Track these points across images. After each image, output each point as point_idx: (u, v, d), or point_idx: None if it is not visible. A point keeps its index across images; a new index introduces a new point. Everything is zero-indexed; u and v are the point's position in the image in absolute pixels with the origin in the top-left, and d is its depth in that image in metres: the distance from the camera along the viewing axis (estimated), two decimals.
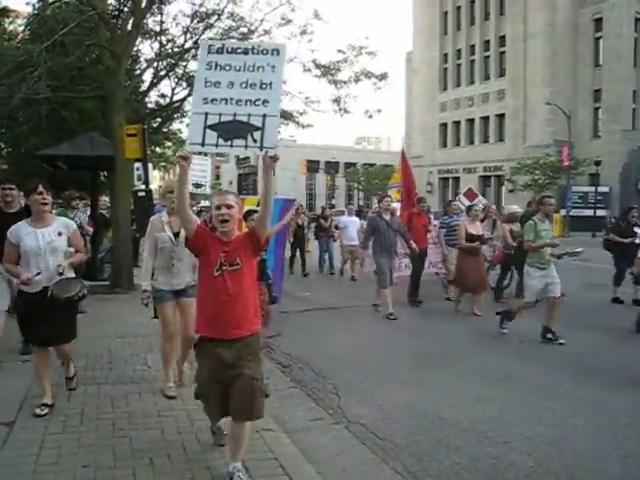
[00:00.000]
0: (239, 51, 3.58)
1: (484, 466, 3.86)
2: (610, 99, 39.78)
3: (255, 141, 3.38)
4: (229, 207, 3.36)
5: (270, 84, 3.48)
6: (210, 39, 13.04)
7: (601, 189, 36.01)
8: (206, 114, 3.43)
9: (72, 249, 4.51)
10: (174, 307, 5.02)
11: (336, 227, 14.95)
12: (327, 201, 42.02)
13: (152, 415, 4.43)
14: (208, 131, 3.42)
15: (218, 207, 3.36)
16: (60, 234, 4.45)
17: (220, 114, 3.43)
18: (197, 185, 27.24)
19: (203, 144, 3.43)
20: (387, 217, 9.08)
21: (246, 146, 3.43)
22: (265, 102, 3.45)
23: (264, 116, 3.41)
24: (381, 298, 9.12)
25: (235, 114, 3.44)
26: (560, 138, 37.90)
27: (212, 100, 3.46)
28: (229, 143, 3.44)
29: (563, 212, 34.29)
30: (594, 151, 37.80)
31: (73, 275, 4.57)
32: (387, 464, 3.86)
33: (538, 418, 4.72)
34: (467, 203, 13.92)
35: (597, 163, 34.94)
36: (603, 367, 6.32)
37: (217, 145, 3.45)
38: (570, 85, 41.21)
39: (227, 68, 3.52)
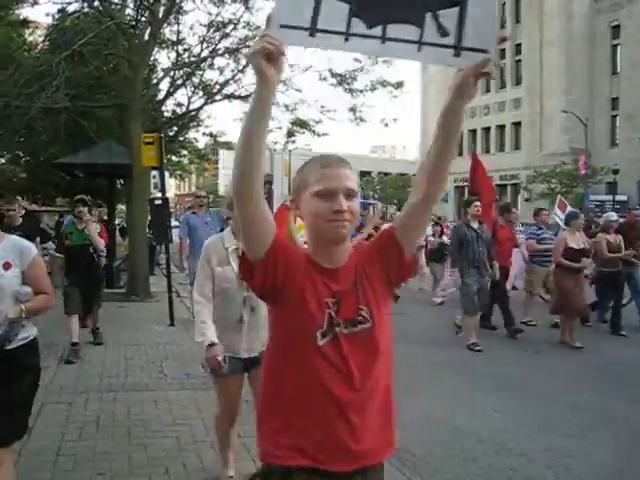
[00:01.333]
0: None
1: (501, 478, 3.81)
2: (628, 107, 39.39)
3: (443, 33, 1.43)
4: (350, 195, 1.62)
5: None
6: (226, 48, 13.18)
7: (619, 197, 35.56)
8: None
9: (29, 289, 2.75)
10: (241, 382, 3.30)
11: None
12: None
13: (168, 423, 4.43)
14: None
15: (329, 194, 1.58)
16: (7, 266, 2.72)
17: None
18: None
19: (314, 30, 1.40)
20: (475, 226, 7.74)
21: (420, 42, 1.44)
22: None
23: None
24: (465, 324, 7.94)
25: None
26: (577, 146, 37.56)
27: None
28: (381, 33, 1.43)
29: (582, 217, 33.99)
30: (612, 159, 37.41)
31: (32, 333, 2.85)
32: (404, 475, 3.82)
33: (557, 429, 4.65)
34: (562, 215, 11.75)
35: (615, 172, 34.58)
36: (624, 377, 6.22)
37: (347, 34, 1.42)
38: (587, 93, 40.90)
39: None
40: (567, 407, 5.24)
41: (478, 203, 7.87)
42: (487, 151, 47.06)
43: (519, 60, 44.32)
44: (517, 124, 44.58)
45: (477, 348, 7.29)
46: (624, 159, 37.24)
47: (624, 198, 36.50)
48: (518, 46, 44.25)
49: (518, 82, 44.17)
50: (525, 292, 9.35)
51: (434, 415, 4.97)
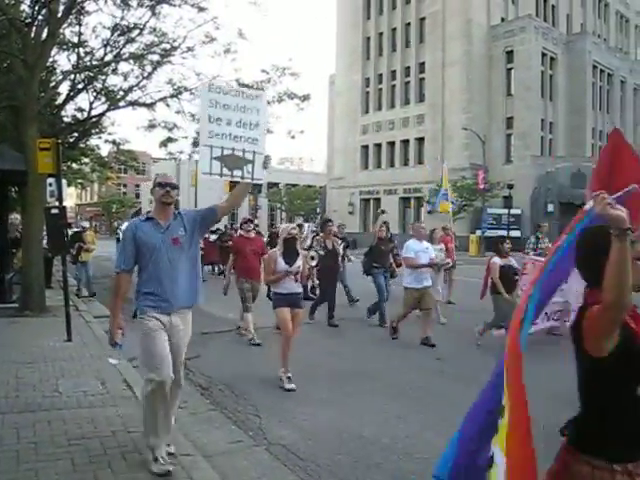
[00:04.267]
0: (232, 93, 4.15)
1: None
2: (521, 127, 42.06)
3: (249, 172, 4.09)
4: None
5: (257, 125, 4.18)
6: (131, 53, 12.77)
7: (514, 211, 37.75)
8: (211, 147, 3.99)
9: None
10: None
11: (395, 255, 11.13)
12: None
13: (62, 444, 4.18)
14: (214, 162, 4.00)
15: None
16: None
17: (222, 147, 4.01)
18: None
19: (211, 173, 4.00)
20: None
21: (242, 177, 4.08)
22: (254, 140, 4.14)
23: (254, 153, 4.11)
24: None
25: (234, 149, 4.06)
26: (476, 162, 39.58)
27: (216, 135, 4.02)
28: (230, 173, 4.05)
29: (479, 233, 35.79)
30: (507, 175, 39.72)
31: None
32: None
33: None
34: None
35: (510, 187, 36.70)
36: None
37: (222, 174, 4.03)
38: (485, 112, 43.24)
39: (225, 107, 4.05)
40: (465, 411, 5.45)
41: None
42: (392, 165, 48.53)
43: (423, 78, 46.13)
44: (420, 139, 46.29)
45: None
46: (518, 175, 39.63)
47: (518, 212, 38.84)
48: (422, 65, 46.10)
49: (421, 99, 45.95)
50: None
51: (338, 424, 5.02)
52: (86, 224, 15.05)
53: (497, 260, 8.37)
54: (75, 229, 16.50)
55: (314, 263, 9.47)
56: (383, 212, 12.09)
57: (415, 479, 3.95)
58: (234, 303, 9.14)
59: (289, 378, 6.20)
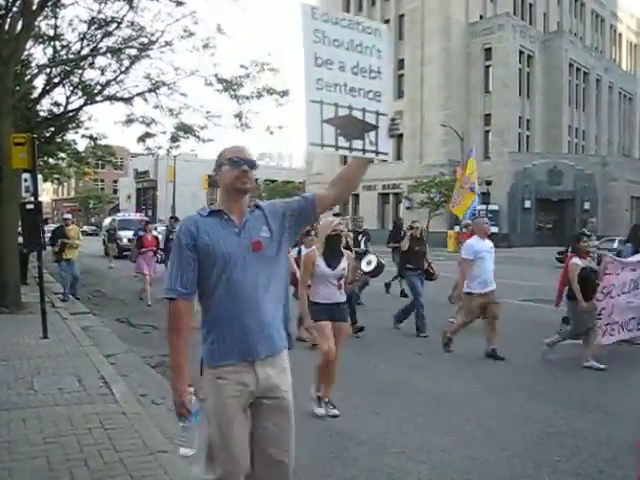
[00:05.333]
0: (344, 23, 2.73)
1: (381, 477, 3.94)
2: (499, 123, 42.53)
3: (372, 143, 2.78)
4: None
5: (379, 72, 2.81)
6: (108, 47, 12.63)
7: (491, 207, 38.15)
8: (321, 103, 2.64)
9: None
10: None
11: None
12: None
13: (37, 443, 4.14)
14: (325, 126, 2.66)
15: None
16: None
17: (336, 105, 2.68)
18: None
19: (322, 144, 2.65)
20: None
21: (364, 150, 2.78)
22: (377, 95, 2.79)
23: (377, 114, 2.78)
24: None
25: (350, 107, 2.73)
26: (454, 158, 39.89)
27: (326, 85, 2.66)
28: (348, 144, 2.74)
29: (457, 229, 36.14)
30: (485, 171, 40.07)
31: None
32: None
33: (433, 427, 4.89)
34: None
35: (488, 183, 37.08)
36: (493, 374, 6.67)
37: (337, 147, 2.70)
38: (463, 109, 43.61)
39: (336, 44, 2.70)
40: (442, 405, 5.53)
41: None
42: (371, 161, 48.66)
43: (402, 75, 46.34)
44: (399, 136, 46.50)
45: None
46: (496, 171, 40.05)
47: (496, 208, 39.26)
48: (401, 61, 46.30)
49: (400, 95, 46.14)
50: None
51: (315, 419, 5.04)
52: (68, 216, 13.37)
53: (578, 261, 7.22)
54: (55, 224, 16.06)
55: (369, 268, 8.69)
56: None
57: (392, 473, 3.99)
58: None
59: (322, 401, 5.26)
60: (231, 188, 2.51)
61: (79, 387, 5.54)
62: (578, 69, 48.12)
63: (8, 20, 10.37)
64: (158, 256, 13.07)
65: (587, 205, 40.98)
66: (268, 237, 2.51)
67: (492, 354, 7.32)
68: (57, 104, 14.34)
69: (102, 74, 13.34)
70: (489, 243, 7.64)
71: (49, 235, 12.99)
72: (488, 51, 43.57)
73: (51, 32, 12.73)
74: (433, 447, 4.43)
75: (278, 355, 2.56)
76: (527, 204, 41.00)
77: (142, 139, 15.03)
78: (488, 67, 43.90)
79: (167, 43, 12.80)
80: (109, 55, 12.94)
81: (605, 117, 51.59)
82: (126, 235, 24.48)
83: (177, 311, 2.44)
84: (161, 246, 13.25)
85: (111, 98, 13.04)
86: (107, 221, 32.48)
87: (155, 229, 13.66)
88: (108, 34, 12.58)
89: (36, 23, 11.22)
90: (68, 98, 13.22)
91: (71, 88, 13.34)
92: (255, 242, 2.47)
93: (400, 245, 10.21)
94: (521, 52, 44.14)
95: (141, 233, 13.32)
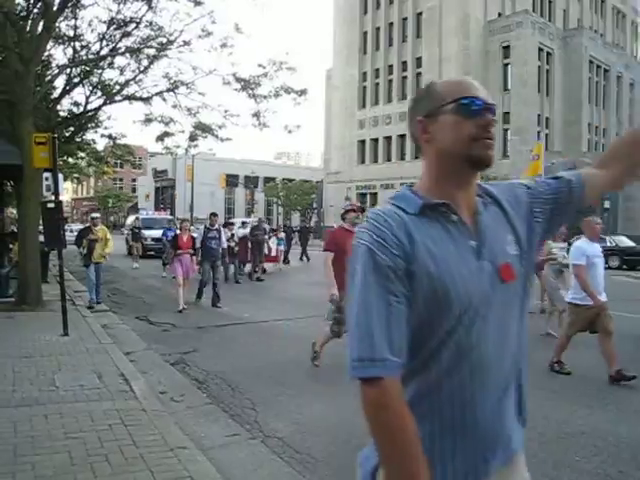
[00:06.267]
0: None
1: None
2: (518, 122, 42.15)
3: None
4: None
5: None
6: (127, 47, 12.75)
7: None
8: None
9: None
10: None
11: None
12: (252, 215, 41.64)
13: (59, 438, 4.20)
14: None
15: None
16: None
17: None
18: None
19: None
20: None
21: None
22: None
23: None
24: None
25: None
26: None
27: None
28: None
29: None
30: (503, 170, 39.77)
31: None
32: (304, 477, 3.86)
33: None
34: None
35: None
36: None
37: None
38: None
39: None
40: None
41: None
42: (389, 159, 48.59)
43: (419, 73, 46.15)
44: None
45: None
46: (515, 169, 39.68)
47: None
48: (419, 60, 46.12)
49: None
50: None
51: (333, 417, 5.05)
52: (97, 215, 12.19)
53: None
54: (75, 224, 15.91)
55: None
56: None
57: None
58: (247, 300, 9.15)
59: None
60: (463, 156, 1.39)
61: (99, 384, 5.60)
62: (598, 66, 47.51)
63: (29, 22, 10.54)
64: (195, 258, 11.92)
65: (607, 204, 40.46)
66: (517, 254, 1.43)
67: (619, 377, 6.19)
68: (77, 104, 14.52)
69: (121, 74, 13.50)
70: (599, 247, 6.68)
71: (73, 234, 12.46)
72: (507, 49, 43.20)
73: (71, 33, 12.89)
74: None
75: (514, 462, 1.52)
76: None
77: (161, 138, 15.18)
78: (507, 65, 43.52)
79: (185, 43, 12.91)
80: (128, 55, 13.07)
81: (626, 114, 50.85)
82: (150, 234, 24.08)
83: (388, 400, 1.25)
84: (197, 245, 12.01)
85: (130, 98, 13.17)
86: (130, 220, 31.29)
87: (190, 229, 12.27)
88: (127, 34, 12.70)
89: (56, 24, 11.37)
90: (88, 98, 13.37)
91: (90, 88, 13.49)
92: (504, 266, 1.39)
93: None
94: (540, 49, 43.69)
95: (175, 232, 12.85)
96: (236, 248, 15.87)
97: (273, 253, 19.15)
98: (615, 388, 6.12)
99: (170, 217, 24.54)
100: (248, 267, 17.44)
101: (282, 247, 20.56)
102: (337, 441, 4.51)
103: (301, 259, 24.53)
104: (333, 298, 6.49)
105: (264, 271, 17.55)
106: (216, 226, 12.31)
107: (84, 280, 12.22)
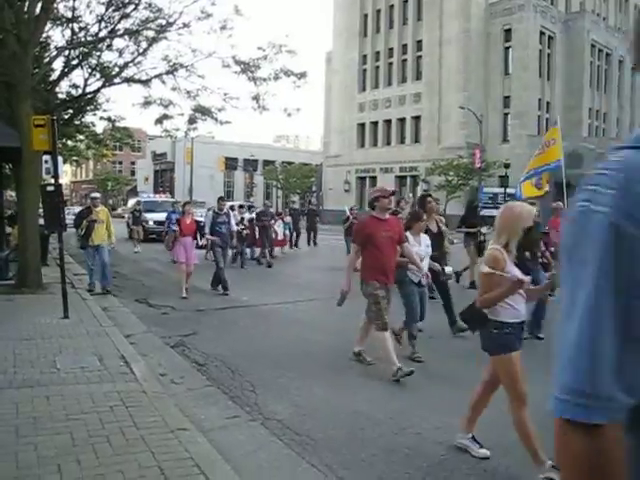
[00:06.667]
0: None
1: (398, 457, 3.98)
2: (518, 106, 41.91)
3: None
4: None
5: None
6: (126, 29, 12.65)
7: (509, 190, 37.76)
8: None
9: None
10: None
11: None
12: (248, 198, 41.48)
13: (60, 419, 4.24)
14: None
15: None
16: None
17: None
18: None
19: None
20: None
21: None
22: None
23: None
24: None
25: None
26: (472, 141, 39.50)
27: None
28: None
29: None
30: (503, 154, 39.66)
31: None
32: (303, 459, 3.90)
33: (448, 408, 4.91)
34: None
35: (506, 166, 36.68)
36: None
37: None
38: (482, 91, 43.02)
39: None
40: (460, 388, 5.53)
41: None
42: (388, 143, 48.39)
43: (420, 56, 45.79)
44: (417, 118, 46.08)
45: None
46: (514, 154, 39.58)
47: (514, 191, 38.83)
48: (419, 42, 45.72)
49: (418, 77, 45.65)
50: None
51: (333, 400, 5.10)
52: (97, 195, 11.69)
53: None
54: (74, 207, 15.73)
55: (446, 277, 7.83)
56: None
57: (409, 453, 4.03)
58: (250, 285, 9.13)
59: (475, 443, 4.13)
60: None
61: (100, 366, 5.64)
62: (600, 50, 47.15)
63: (27, 2, 10.42)
64: (200, 242, 11.80)
65: None
66: None
67: None
68: (75, 86, 14.43)
69: (120, 56, 13.40)
70: None
71: (73, 217, 11.75)
72: (508, 32, 42.81)
73: (69, 14, 12.77)
74: (450, 428, 4.45)
75: None
76: (546, 187, 40.51)
77: (160, 121, 15.12)
78: (508, 48, 43.16)
79: (185, 25, 12.81)
80: (127, 37, 12.97)
81: (627, 99, 50.57)
82: (152, 217, 23.96)
83: (609, 456, 0.89)
84: (206, 230, 11.81)
85: (129, 80, 13.08)
86: (131, 203, 30.65)
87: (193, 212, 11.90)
88: (126, 16, 12.59)
89: (54, 5, 11.26)
90: (86, 80, 13.28)
91: (89, 70, 13.40)
92: None
93: (476, 230, 10.22)
94: (542, 33, 43.29)
95: (178, 216, 12.60)
96: (245, 232, 15.83)
97: (280, 237, 19.06)
98: None
99: (173, 200, 24.36)
100: (257, 251, 17.38)
101: (287, 231, 20.43)
102: (336, 423, 4.56)
103: (308, 244, 23.74)
104: (343, 294, 6.22)
105: (273, 256, 17.38)
106: (225, 210, 12.22)
107: (84, 263, 12.05)
